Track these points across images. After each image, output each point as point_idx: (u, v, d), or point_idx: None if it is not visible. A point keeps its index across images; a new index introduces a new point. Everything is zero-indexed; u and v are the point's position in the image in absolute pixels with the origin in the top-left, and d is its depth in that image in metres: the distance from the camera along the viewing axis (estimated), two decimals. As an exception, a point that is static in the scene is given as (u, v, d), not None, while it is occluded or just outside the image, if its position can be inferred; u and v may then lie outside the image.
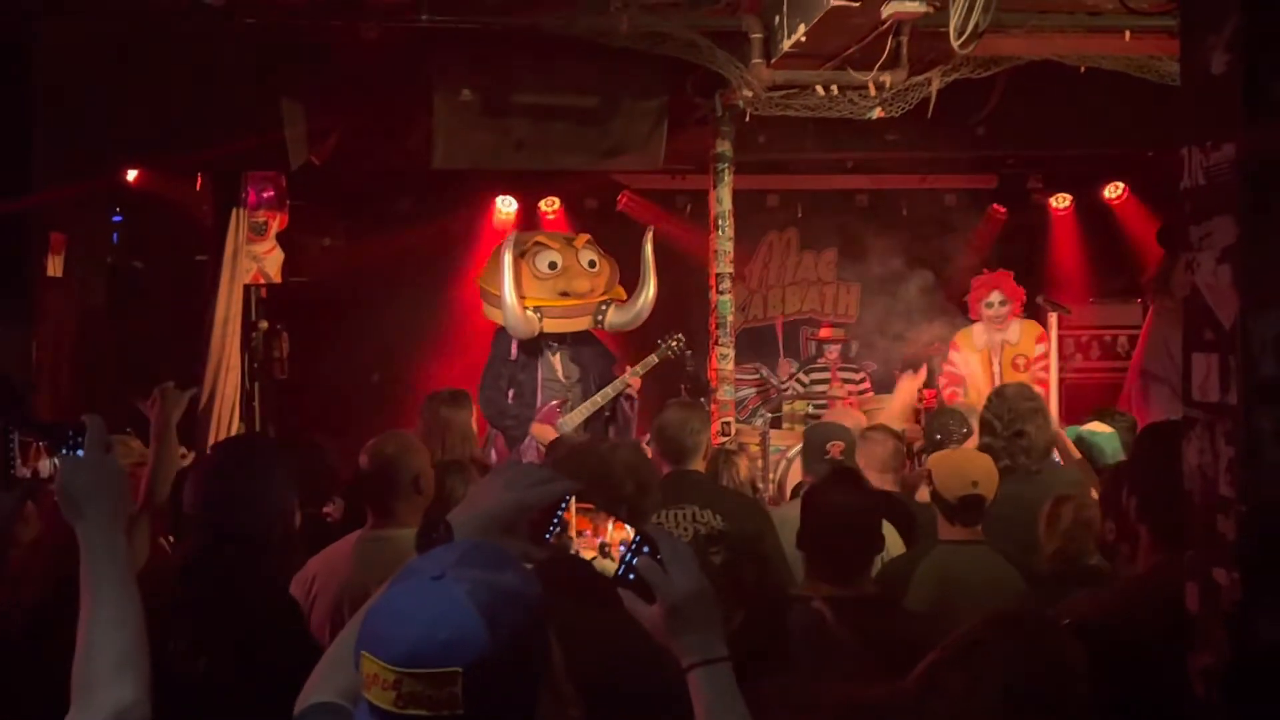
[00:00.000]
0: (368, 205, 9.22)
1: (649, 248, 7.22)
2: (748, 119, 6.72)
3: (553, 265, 7.22)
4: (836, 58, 5.97)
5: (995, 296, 7.83)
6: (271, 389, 8.59)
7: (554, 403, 7.17)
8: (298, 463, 3.27)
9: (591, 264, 7.26)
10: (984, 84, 6.67)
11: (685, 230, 9.57)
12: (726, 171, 7.07)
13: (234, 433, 7.81)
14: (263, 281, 8.22)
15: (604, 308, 7.19)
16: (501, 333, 7.34)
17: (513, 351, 7.26)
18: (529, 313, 7.07)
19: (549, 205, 9.81)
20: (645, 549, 1.51)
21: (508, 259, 6.97)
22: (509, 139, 7.10)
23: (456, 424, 5.40)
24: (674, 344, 7.21)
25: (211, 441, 7.86)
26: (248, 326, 8.28)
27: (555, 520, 1.58)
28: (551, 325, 7.17)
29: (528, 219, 9.81)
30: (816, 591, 3.13)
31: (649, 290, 7.18)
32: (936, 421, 5.88)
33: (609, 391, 7.05)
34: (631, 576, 1.50)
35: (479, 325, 9.34)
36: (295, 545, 3.26)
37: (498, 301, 7.08)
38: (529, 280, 7.18)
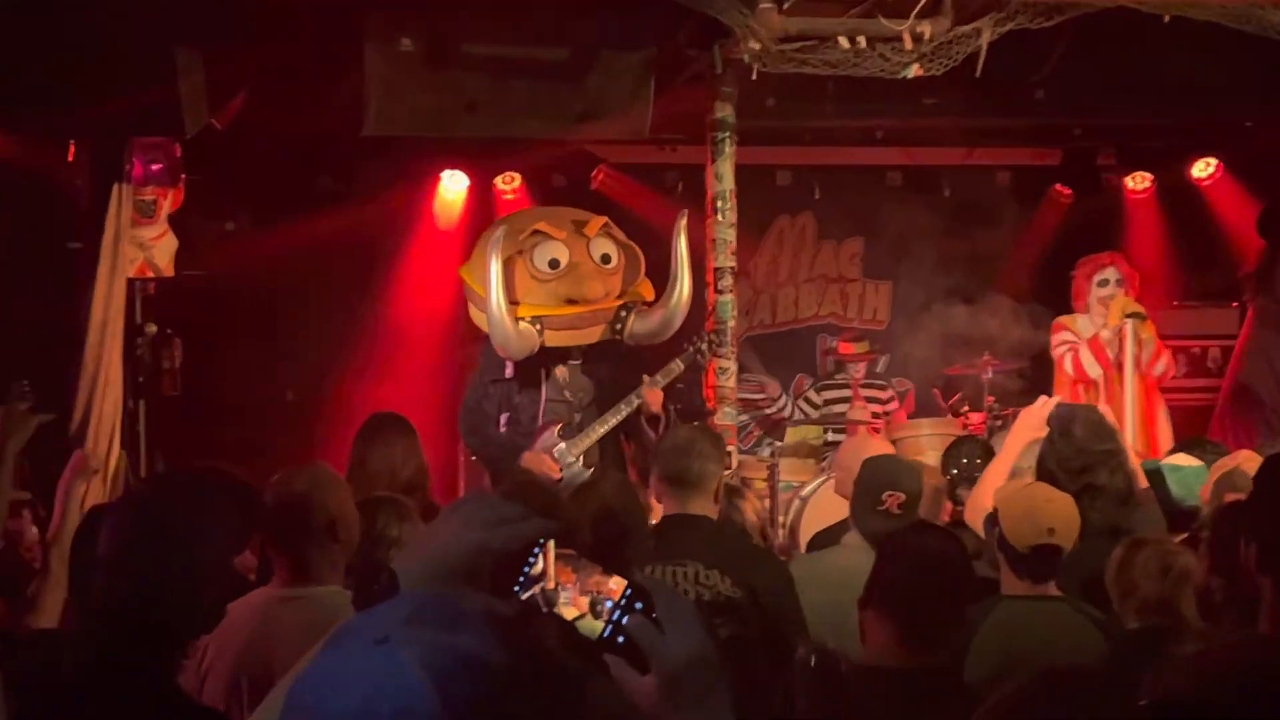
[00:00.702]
0: (282, 181, 9.20)
1: (683, 239, 6.86)
2: (754, 77, 6.74)
3: (555, 264, 6.79)
4: (865, 2, 6.01)
5: (1111, 273, 7.85)
6: (160, 408, 8.55)
7: (552, 427, 6.78)
8: (234, 504, 3.29)
9: (605, 259, 6.85)
10: (1045, 36, 6.71)
11: (675, 214, 9.57)
12: (727, 142, 7.10)
13: (113, 461, 7.76)
14: (150, 275, 8.18)
15: (623, 313, 6.81)
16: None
17: (508, 366, 6.86)
18: (524, 325, 6.67)
19: (507, 183, 9.81)
20: (638, 605, 1.51)
21: (495, 263, 6.57)
22: (458, 100, 7.10)
23: (396, 457, 5.39)
24: (703, 347, 6.91)
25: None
26: (132, 331, 8.24)
27: (527, 568, 1.58)
28: (555, 339, 6.76)
29: (480, 200, 9.80)
30: (880, 661, 3.16)
31: (682, 291, 6.79)
32: (954, 453, 5.89)
33: (621, 408, 6.71)
34: (621, 639, 1.50)
35: (421, 332, 9.33)
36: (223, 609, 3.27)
37: (485, 306, 6.69)
38: (525, 282, 6.77)
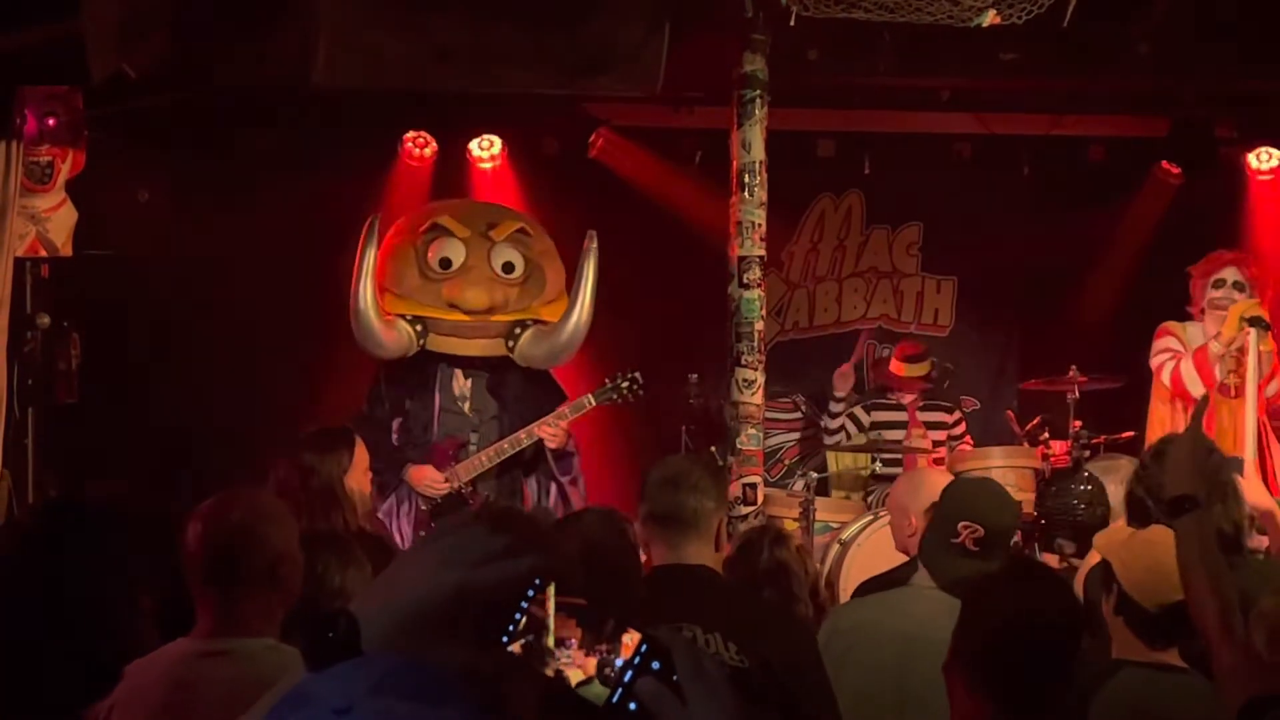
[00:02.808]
0: (209, 142, 9.21)
1: (592, 261, 7.53)
2: (793, 22, 6.77)
3: (446, 263, 7.61)
4: (930, -67, 6.04)
5: (1230, 274, 7.89)
6: (53, 418, 8.56)
7: (448, 441, 7.48)
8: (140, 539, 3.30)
9: (508, 268, 7.65)
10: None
11: (692, 190, 9.61)
12: (758, 103, 7.12)
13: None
14: (44, 254, 8.21)
15: (517, 330, 7.60)
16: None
17: (400, 367, 7.60)
18: (402, 324, 7.50)
19: (484, 148, 9.84)
20: (655, 666, 1.52)
21: (370, 251, 7.41)
22: (428, 45, 7.13)
23: (339, 480, 5.40)
24: (625, 385, 7.55)
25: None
26: (21, 322, 8.27)
27: (518, 616, 1.58)
28: (439, 344, 7.60)
29: (451, 169, 9.82)
30: None
31: (580, 315, 7.52)
32: (1059, 492, 5.88)
33: (521, 439, 7.44)
34: (633, 706, 1.50)
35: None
36: (118, 670, 3.27)
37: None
38: (412, 278, 7.61)
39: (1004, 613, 3.36)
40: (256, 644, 3.39)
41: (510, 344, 7.60)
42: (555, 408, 7.53)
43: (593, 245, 7.58)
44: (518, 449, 7.43)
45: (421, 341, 7.57)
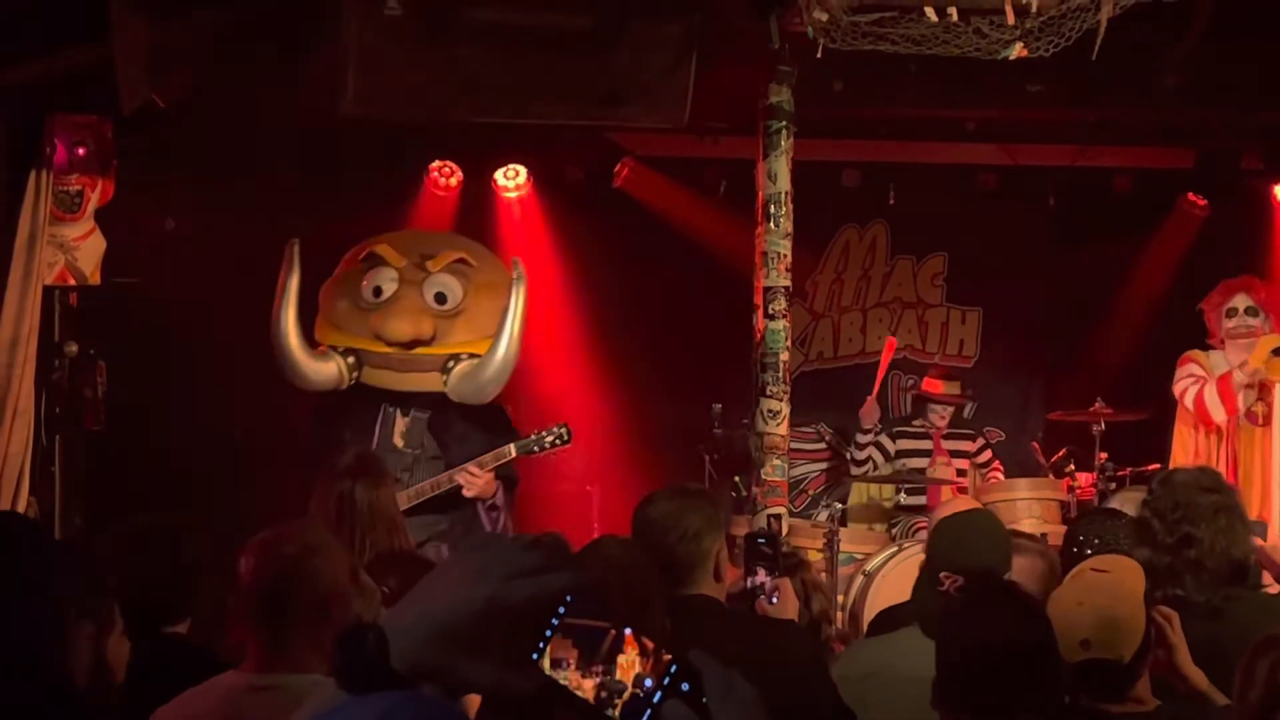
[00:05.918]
0: (236, 171, 9.25)
1: (521, 290, 7.31)
2: (819, 55, 6.79)
3: (378, 292, 7.51)
4: (957, -35, 6.06)
5: (1240, 301, 7.93)
6: (80, 445, 8.58)
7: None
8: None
9: (440, 298, 7.49)
10: (1178, 11, 6.74)
11: (717, 220, 9.63)
12: (784, 134, 7.14)
13: (21, 509, 7.82)
14: (73, 283, 8.23)
15: (450, 364, 7.42)
16: None
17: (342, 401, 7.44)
18: (334, 356, 7.33)
19: (509, 177, 9.88)
20: (684, 687, 1.52)
21: (290, 278, 7.32)
22: (457, 77, 7.15)
23: (393, 503, 5.44)
24: (549, 439, 7.31)
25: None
26: (48, 350, 8.30)
27: (548, 634, 1.58)
28: (373, 377, 7.43)
29: (476, 199, 9.86)
30: None
31: (506, 349, 7.31)
32: (1087, 528, 5.85)
33: (443, 482, 7.24)
34: (658, 730, 1.50)
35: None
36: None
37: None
38: (346, 309, 7.53)
39: (961, 648, 3.33)
40: (304, 680, 3.38)
41: (444, 379, 7.42)
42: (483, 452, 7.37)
43: (519, 272, 7.41)
44: (439, 491, 7.25)
45: (355, 374, 7.44)
